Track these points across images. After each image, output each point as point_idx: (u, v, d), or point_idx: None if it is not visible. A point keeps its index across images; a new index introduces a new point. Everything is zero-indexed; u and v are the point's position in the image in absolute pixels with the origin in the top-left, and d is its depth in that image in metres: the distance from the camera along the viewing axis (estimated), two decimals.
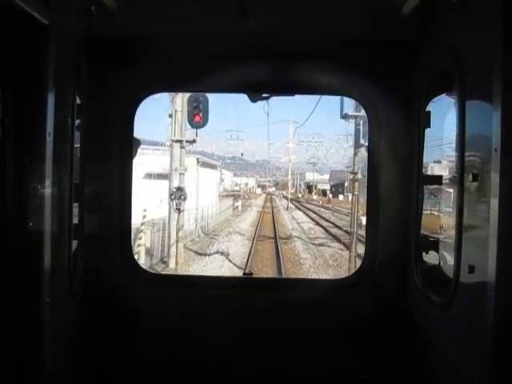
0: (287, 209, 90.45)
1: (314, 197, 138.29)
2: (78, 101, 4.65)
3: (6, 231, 3.74)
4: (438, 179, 5.71)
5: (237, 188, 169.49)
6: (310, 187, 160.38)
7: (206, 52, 5.53)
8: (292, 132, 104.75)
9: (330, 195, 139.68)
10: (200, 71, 5.60)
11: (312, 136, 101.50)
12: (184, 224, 37.50)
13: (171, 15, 5.07)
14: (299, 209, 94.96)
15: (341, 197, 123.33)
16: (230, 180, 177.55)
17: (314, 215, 75.21)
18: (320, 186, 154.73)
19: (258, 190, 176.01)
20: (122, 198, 5.66)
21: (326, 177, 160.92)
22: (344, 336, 5.57)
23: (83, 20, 4.71)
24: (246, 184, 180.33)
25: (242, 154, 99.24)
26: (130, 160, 5.75)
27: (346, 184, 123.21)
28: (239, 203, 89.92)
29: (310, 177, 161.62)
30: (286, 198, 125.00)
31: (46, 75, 3.75)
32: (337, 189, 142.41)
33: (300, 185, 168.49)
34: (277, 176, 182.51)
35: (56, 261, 3.96)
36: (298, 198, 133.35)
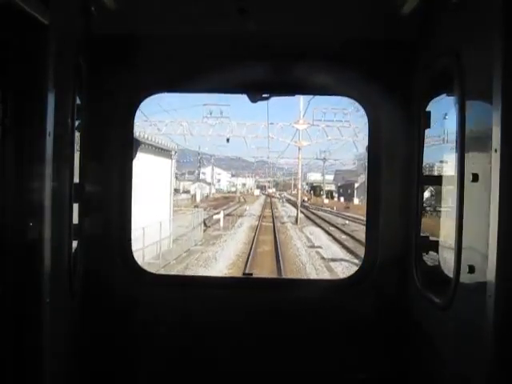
0: (296, 222, 59.55)
1: (326, 201, 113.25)
2: (77, 101, 4.66)
3: (6, 231, 3.74)
4: (437, 179, 5.71)
5: (233, 189, 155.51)
6: (314, 188, 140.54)
7: (206, 52, 5.53)
8: (303, 106, 65.64)
9: (341, 198, 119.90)
10: (200, 71, 5.60)
11: (334, 112, 60.78)
12: None
13: (171, 15, 5.07)
14: (313, 221, 63.28)
15: (356, 200, 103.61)
16: (227, 180, 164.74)
17: (343, 237, 44.11)
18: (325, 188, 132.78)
19: (257, 192, 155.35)
20: (122, 198, 5.66)
21: (329, 177, 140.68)
22: (344, 336, 5.57)
23: (83, 20, 4.71)
24: (244, 185, 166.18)
25: (228, 140, 65.97)
26: (130, 160, 5.75)
27: (357, 185, 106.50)
28: (221, 215, 56.41)
29: (313, 177, 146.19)
30: (291, 201, 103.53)
31: (46, 75, 3.75)
32: (345, 191, 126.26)
33: (302, 185, 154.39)
34: (278, 176, 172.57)
35: (56, 261, 3.96)
36: (304, 201, 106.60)
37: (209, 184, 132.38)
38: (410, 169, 5.30)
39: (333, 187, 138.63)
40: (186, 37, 5.42)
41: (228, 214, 68.53)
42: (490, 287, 3.29)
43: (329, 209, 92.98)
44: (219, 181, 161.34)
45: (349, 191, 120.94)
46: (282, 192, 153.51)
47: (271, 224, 57.47)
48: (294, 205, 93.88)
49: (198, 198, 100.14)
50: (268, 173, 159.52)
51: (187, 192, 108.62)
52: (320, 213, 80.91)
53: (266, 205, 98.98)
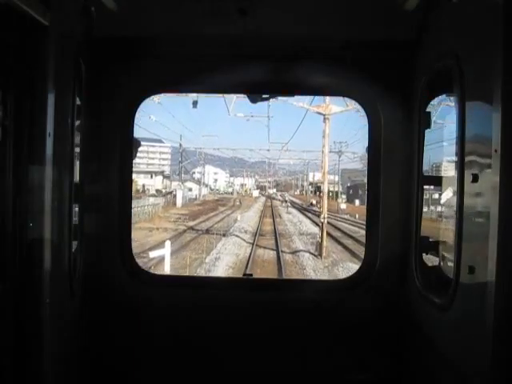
0: (319, 253, 34.81)
1: (343, 206, 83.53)
2: (77, 101, 4.66)
3: (6, 231, 3.74)
4: (437, 179, 5.71)
5: (230, 190, 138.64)
6: (319, 189, 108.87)
7: (206, 52, 5.53)
8: None
9: (356, 201, 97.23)
10: (200, 71, 5.60)
11: None
12: None
13: (171, 16, 5.07)
14: (344, 246, 38.51)
15: None
16: (224, 180, 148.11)
17: None
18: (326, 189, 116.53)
19: (255, 193, 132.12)
20: (122, 198, 5.66)
21: (331, 177, 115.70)
22: (344, 336, 5.57)
23: (83, 21, 4.71)
24: (244, 185, 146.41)
25: (196, 104, 44.14)
26: (130, 160, 5.76)
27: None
28: (166, 250, 29.11)
29: (315, 177, 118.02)
30: (297, 206, 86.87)
31: (46, 76, 3.76)
32: (355, 192, 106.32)
33: (302, 186, 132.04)
34: (279, 175, 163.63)
35: (56, 261, 3.96)
36: (312, 205, 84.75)
37: (201, 184, 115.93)
38: (410, 169, 5.30)
39: (338, 188, 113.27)
40: (186, 37, 5.42)
41: (206, 231, 43.29)
42: (490, 287, 3.29)
43: (347, 216, 66.78)
44: (216, 181, 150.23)
45: (360, 193, 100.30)
46: (284, 193, 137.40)
47: (273, 254, 32.98)
48: (301, 210, 75.04)
49: (179, 202, 77.90)
50: (268, 171, 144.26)
51: (169, 194, 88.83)
52: (343, 225, 53.50)
53: (265, 210, 73.24)
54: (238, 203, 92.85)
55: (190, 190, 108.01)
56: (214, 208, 74.38)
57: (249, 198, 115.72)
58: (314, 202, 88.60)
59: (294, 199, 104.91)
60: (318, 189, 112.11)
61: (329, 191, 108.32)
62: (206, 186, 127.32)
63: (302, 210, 77.50)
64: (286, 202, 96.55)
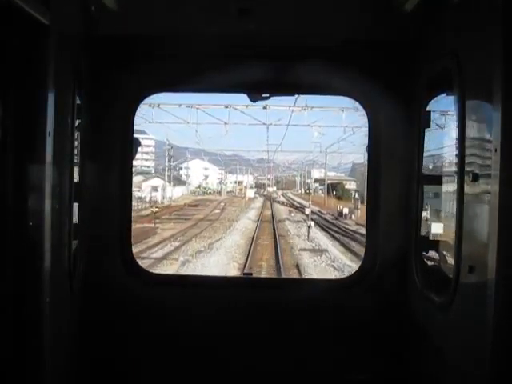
0: None
1: None
2: (78, 101, 4.66)
3: (6, 231, 3.74)
4: (437, 179, 5.72)
5: (218, 188, 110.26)
6: (335, 188, 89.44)
7: (206, 52, 5.53)
8: None
9: None
10: (200, 71, 5.60)
11: None
12: None
13: (171, 15, 5.07)
14: None
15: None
16: (217, 177, 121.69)
17: None
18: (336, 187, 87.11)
19: (250, 193, 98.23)
20: (122, 198, 5.67)
21: (336, 174, 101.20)
22: (344, 336, 5.57)
23: (83, 20, 4.71)
24: (240, 183, 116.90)
25: None
26: (130, 160, 5.76)
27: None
28: None
29: (317, 174, 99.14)
30: (320, 220, 51.80)
31: (46, 75, 3.75)
32: None
33: (307, 184, 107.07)
34: (279, 170, 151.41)
35: (56, 260, 3.97)
36: (342, 216, 57.79)
37: (166, 180, 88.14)
38: (410, 169, 5.31)
39: (352, 185, 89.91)
40: (186, 37, 5.42)
41: None
42: (490, 287, 3.30)
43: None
44: (207, 177, 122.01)
45: None
46: (286, 191, 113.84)
47: None
48: (337, 237, 40.27)
49: None
50: (268, 162, 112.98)
51: None
52: None
53: (258, 239, 38.28)
54: (217, 211, 58.92)
55: (155, 189, 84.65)
56: (147, 235, 37.64)
57: (240, 200, 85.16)
58: (346, 210, 59.31)
59: (303, 201, 76.01)
60: (333, 188, 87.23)
61: (342, 189, 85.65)
62: (185, 183, 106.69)
63: (336, 232, 41.73)
64: (301, 211, 58.59)
